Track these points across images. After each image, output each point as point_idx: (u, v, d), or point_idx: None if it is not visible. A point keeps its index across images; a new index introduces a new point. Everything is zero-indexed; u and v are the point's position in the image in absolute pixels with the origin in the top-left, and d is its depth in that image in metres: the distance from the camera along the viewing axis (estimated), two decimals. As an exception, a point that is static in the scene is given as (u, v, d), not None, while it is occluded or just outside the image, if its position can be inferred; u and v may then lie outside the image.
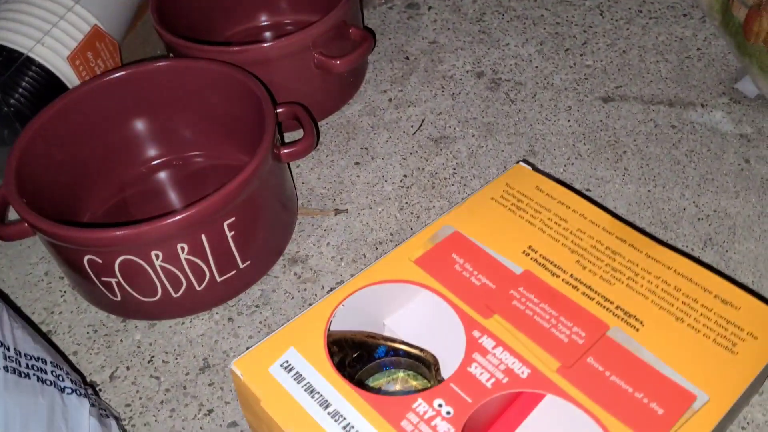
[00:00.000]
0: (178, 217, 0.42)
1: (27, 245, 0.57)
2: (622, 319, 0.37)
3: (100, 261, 0.44)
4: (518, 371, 0.35)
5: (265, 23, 0.70)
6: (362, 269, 0.52)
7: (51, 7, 0.57)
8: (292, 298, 0.51)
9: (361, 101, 0.67)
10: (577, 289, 0.39)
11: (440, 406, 0.34)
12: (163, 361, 0.48)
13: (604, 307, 0.38)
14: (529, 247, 0.42)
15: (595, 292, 0.39)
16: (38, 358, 0.37)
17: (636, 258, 0.41)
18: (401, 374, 0.44)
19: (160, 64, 0.53)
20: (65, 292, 0.53)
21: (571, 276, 0.40)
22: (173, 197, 0.56)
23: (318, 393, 0.35)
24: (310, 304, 0.51)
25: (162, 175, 0.57)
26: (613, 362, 0.35)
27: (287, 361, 0.36)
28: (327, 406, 0.34)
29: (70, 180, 0.53)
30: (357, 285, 0.40)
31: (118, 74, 0.53)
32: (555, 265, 0.41)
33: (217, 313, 0.50)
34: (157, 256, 0.44)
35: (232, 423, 0.44)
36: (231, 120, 0.54)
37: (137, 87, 0.53)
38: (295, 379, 0.36)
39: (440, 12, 0.77)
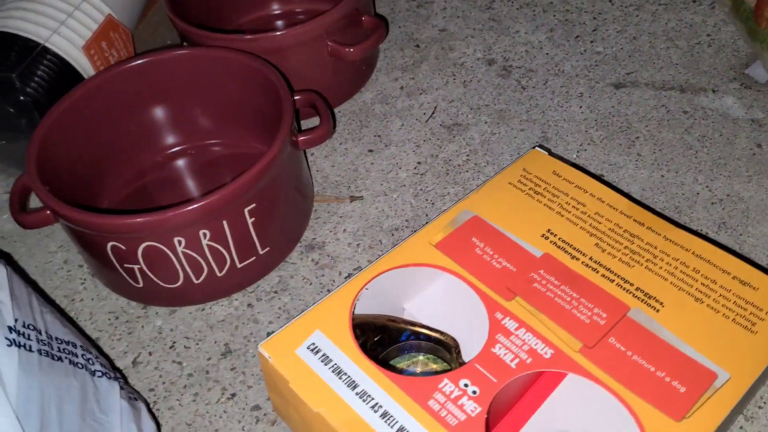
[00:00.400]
0: (201, 203, 0.42)
1: (45, 234, 0.57)
2: (642, 300, 0.38)
3: (123, 247, 0.44)
4: (541, 352, 0.36)
5: (277, 11, 0.71)
6: (379, 255, 0.53)
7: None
8: (310, 284, 0.52)
9: (373, 89, 0.67)
10: (597, 272, 0.40)
11: (466, 385, 0.35)
12: (185, 346, 0.49)
13: (624, 288, 0.39)
14: (548, 230, 0.43)
15: (615, 274, 0.40)
16: (68, 341, 0.37)
17: (654, 240, 0.41)
18: (421, 357, 0.44)
19: (178, 52, 0.53)
20: (85, 279, 0.54)
21: (591, 259, 0.41)
22: (191, 185, 0.57)
23: (345, 374, 0.36)
24: (328, 290, 0.51)
25: (180, 162, 0.58)
26: (635, 342, 0.36)
27: (313, 344, 0.37)
28: (354, 387, 0.35)
29: (89, 167, 0.54)
30: (379, 269, 0.41)
31: (135, 63, 0.53)
32: (574, 248, 0.41)
33: (236, 299, 0.51)
34: (179, 242, 0.44)
35: (255, 406, 0.45)
36: (248, 108, 0.55)
37: (155, 75, 0.54)
38: (322, 361, 0.36)
39: (449, 0, 0.77)
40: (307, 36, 0.57)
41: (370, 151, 0.61)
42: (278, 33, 0.57)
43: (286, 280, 0.52)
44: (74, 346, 0.38)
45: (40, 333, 0.36)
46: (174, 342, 0.49)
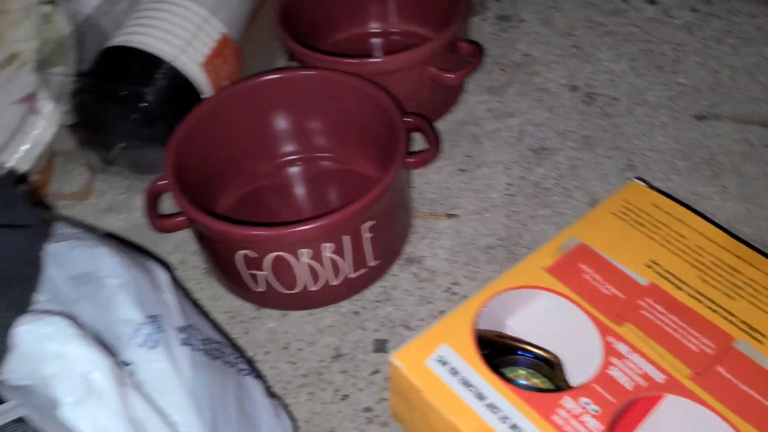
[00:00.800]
0: (333, 218, 0.46)
1: (160, 235, 0.61)
2: (747, 333, 0.41)
3: (254, 256, 0.48)
4: (654, 376, 0.39)
5: (374, 30, 0.74)
6: (475, 272, 0.57)
7: (190, 17, 0.61)
8: (412, 295, 0.55)
9: (462, 110, 0.70)
10: (701, 303, 0.43)
11: (587, 404, 0.38)
12: (298, 348, 0.53)
13: (729, 320, 0.42)
14: (652, 260, 0.46)
15: (719, 306, 0.42)
16: (217, 341, 0.41)
17: (755, 275, 0.44)
18: (522, 371, 0.48)
19: (301, 73, 0.58)
20: (201, 280, 0.58)
21: (695, 290, 0.44)
22: (299, 193, 0.61)
23: (473, 386, 0.39)
24: (428, 302, 0.55)
25: (291, 171, 0.62)
26: (742, 372, 0.39)
27: (441, 356, 0.41)
28: (482, 398, 0.38)
29: (209, 173, 0.57)
30: (497, 288, 0.44)
31: (260, 80, 0.57)
32: (678, 279, 0.44)
33: (343, 307, 0.55)
34: (305, 254, 0.48)
35: (366, 408, 0.49)
36: (360, 128, 0.58)
37: (277, 92, 0.58)
38: (450, 373, 0.40)
39: (531, 24, 0.80)
40: (410, 62, 0.61)
41: (462, 170, 0.65)
42: (384, 59, 0.61)
43: (389, 291, 0.56)
44: (222, 345, 0.42)
45: (199, 333, 0.40)
46: (287, 343, 0.53)
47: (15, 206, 0.34)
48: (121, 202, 0.65)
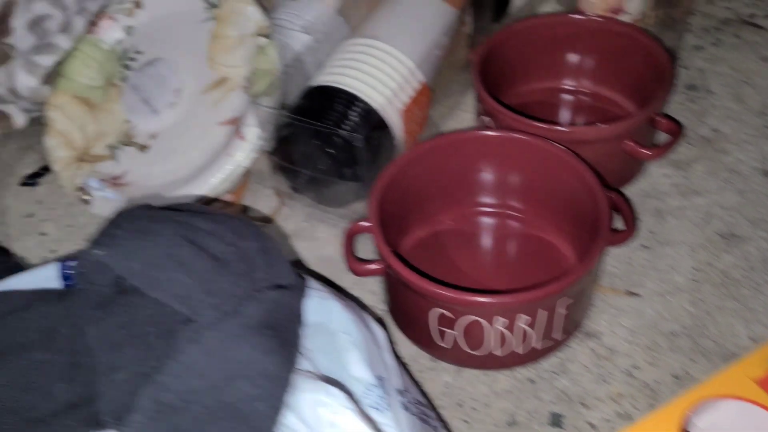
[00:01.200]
0: (539, 292, 0.47)
1: (340, 268, 0.64)
2: None
3: (449, 316, 0.50)
4: None
5: (566, 87, 0.74)
6: (657, 358, 0.56)
7: (399, 69, 0.64)
8: (589, 372, 0.55)
9: (645, 182, 0.69)
10: None
11: None
12: (472, 407, 0.53)
13: None
14: None
15: None
16: (423, 404, 0.43)
17: None
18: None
19: (511, 136, 0.59)
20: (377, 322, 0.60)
21: None
22: (483, 246, 0.62)
23: (680, 497, 0.38)
24: (606, 382, 0.54)
25: (478, 221, 0.63)
26: None
27: (646, 458, 0.40)
28: None
29: (399, 213, 0.59)
30: (704, 393, 0.43)
31: (466, 135, 0.60)
32: None
33: (518, 372, 0.55)
34: (500, 321, 0.49)
35: (542, 484, 0.49)
36: (558, 197, 0.59)
37: (479, 148, 0.59)
38: (656, 478, 0.39)
39: (721, 98, 0.77)
40: (609, 134, 0.61)
41: (645, 246, 0.64)
42: (584, 128, 0.61)
43: (566, 364, 0.55)
44: (427, 407, 0.43)
45: (411, 395, 0.41)
46: (462, 401, 0.54)
47: (280, 264, 0.37)
48: (305, 230, 0.68)
